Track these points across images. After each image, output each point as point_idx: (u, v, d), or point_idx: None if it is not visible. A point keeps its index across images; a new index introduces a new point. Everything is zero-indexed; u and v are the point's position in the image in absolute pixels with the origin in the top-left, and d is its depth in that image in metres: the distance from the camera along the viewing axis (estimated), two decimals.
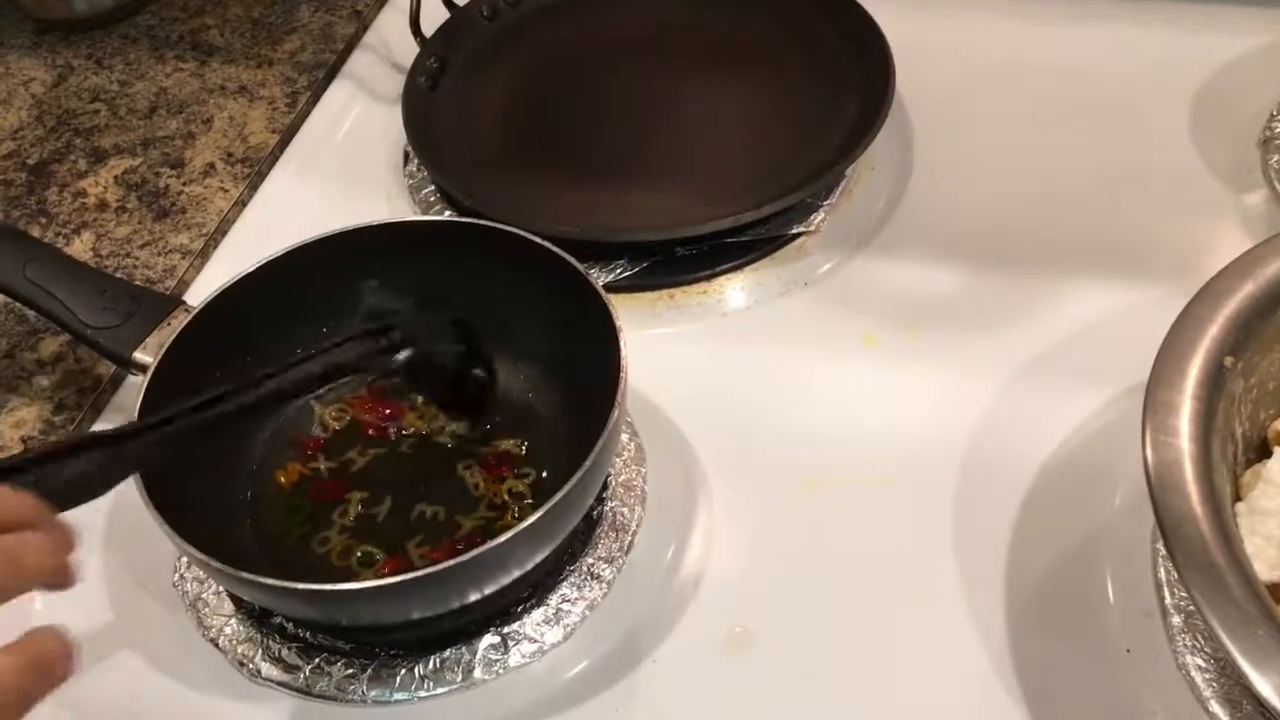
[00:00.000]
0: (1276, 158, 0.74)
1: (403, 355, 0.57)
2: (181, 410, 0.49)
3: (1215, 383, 0.50)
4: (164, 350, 0.58)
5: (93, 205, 0.79)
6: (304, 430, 0.63)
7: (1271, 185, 0.73)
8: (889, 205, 0.75)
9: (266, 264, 0.61)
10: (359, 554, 0.57)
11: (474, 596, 0.52)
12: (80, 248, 0.76)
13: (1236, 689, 0.50)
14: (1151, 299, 0.68)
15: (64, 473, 0.44)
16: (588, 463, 0.51)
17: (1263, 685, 0.41)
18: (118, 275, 0.73)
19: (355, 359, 0.56)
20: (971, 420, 0.63)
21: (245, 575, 0.49)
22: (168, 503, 0.51)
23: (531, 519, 0.50)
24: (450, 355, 0.60)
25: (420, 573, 0.49)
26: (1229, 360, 0.51)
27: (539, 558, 0.53)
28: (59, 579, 0.40)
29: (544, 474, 0.60)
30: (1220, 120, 0.78)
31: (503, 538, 0.49)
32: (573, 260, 0.59)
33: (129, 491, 0.51)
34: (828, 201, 0.74)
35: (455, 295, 0.63)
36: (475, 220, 0.64)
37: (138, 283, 0.72)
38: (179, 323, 0.59)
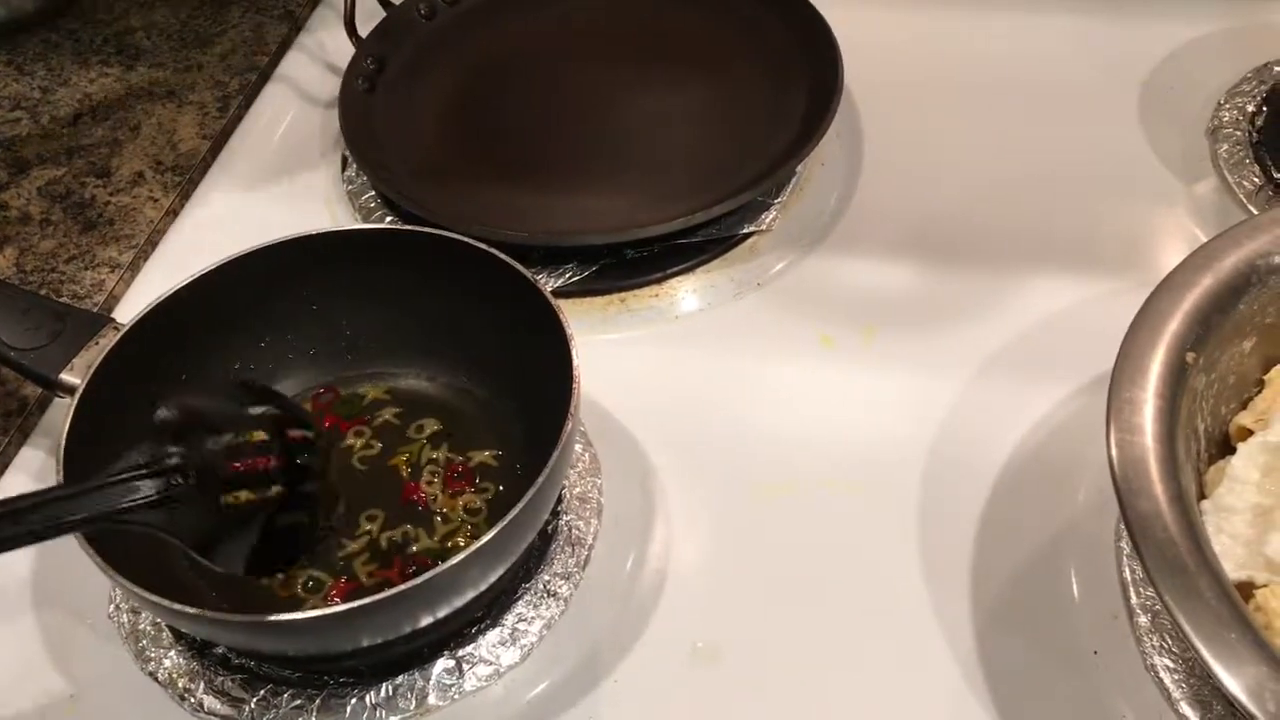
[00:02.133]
0: (1225, 146, 0.73)
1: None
2: None
3: (1178, 379, 0.49)
4: (92, 371, 0.55)
5: (15, 218, 0.75)
6: None
7: (1221, 174, 0.73)
8: (841, 202, 0.74)
9: (199, 278, 0.58)
10: (305, 579, 0.55)
11: (426, 620, 0.50)
12: (2, 264, 0.72)
13: (1206, 689, 0.49)
14: (1106, 291, 0.68)
15: None
16: (541, 478, 0.50)
17: (1236, 689, 0.40)
18: (43, 291, 0.70)
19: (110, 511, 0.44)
20: (933, 420, 0.62)
21: (181, 608, 0.47)
22: (98, 532, 0.49)
23: (486, 537, 0.48)
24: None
25: (369, 600, 0.46)
26: (1190, 356, 0.50)
27: (493, 577, 0.51)
28: None
29: (500, 488, 0.58)
30: (1169, 109, 0.78)
31: (456, 558, 0.47)
32: (519, 266, 0.57)
33: None
34: (779, 200, 0.73)
35: (399, 305, 0.62)
36: (418, 228, 0.62)
37: (64, 299, 0.69)
38: (108, 342, 0.56)
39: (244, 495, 0.46)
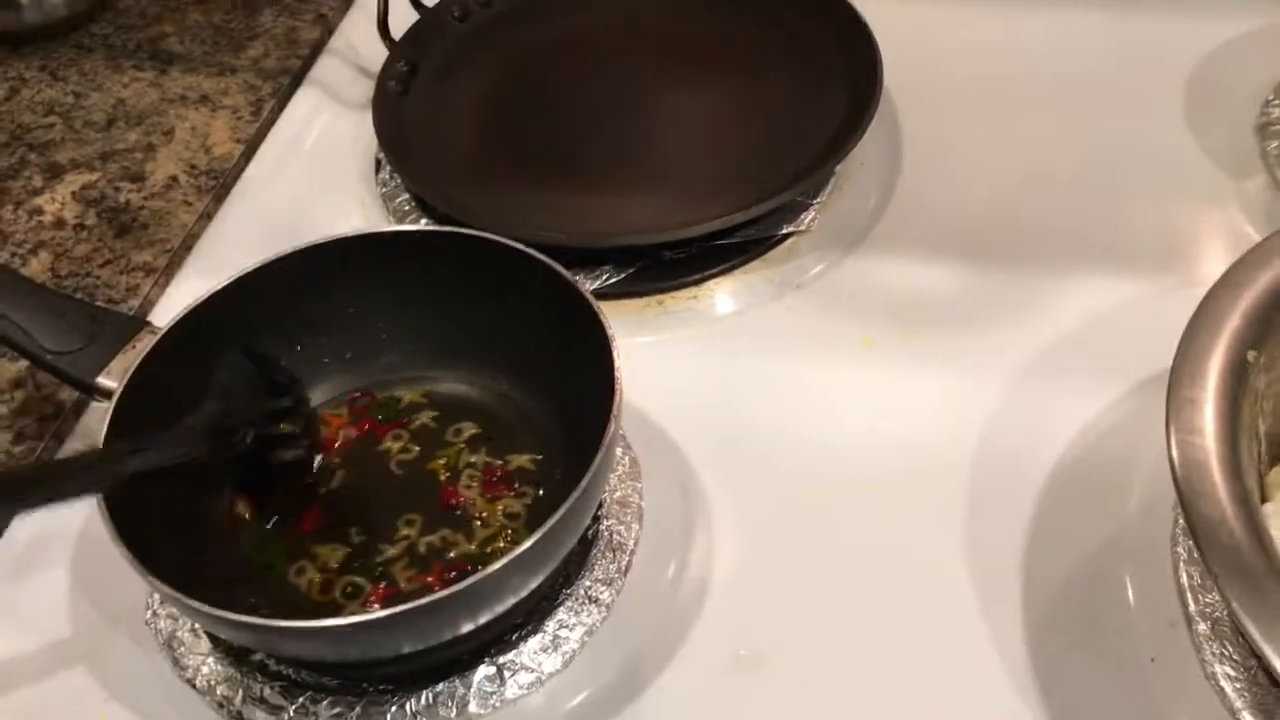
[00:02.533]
0: (1274, 144, 0.72)
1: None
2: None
3: (1239, 379, 0.48)
4: (129, 375, 0.54)
5: (49, 223, 0.75)
6: None
7: (1270, 171, 0.71)
8: (880, 202, 0.73)
9: (236, 281, 0.58)
10: (344, 585, 0.54)
11: (468, 627, 0.49)
12: (37, 268, 0.72)
13: (1270, 698, 0.48)
14: (1154, 290, 0.66)
15: None
16: (584, 481, 0.49)
17: None
18: (78, 296, 0.69)
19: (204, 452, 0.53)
20: (978, 422, 0.61)
21: (222, 614, 0.46)
22: (136, 536, 0.48)
23: (528, 543, 0.47)
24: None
25: (409, 606, 0.46)
26: (1251, 354, 0.49)
27: (535, 583, 0.50)
28: None
29: (541, 492, 0.57)
30: (1215, 107, 0.76)
31: (497, 564, 0.46)
32: (558, 267, 0.57)
33: (95, 524, 0.48)
34: (817, 200, 0.72)
35: (436, 308, 0.61)
36: (454, 229, 0.61)
37: (99, 303, 0.68)
38: (144, 345, 0.56)
39: (287, 454, 0.56)
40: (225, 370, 0.55)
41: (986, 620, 0.53)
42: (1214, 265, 0.67)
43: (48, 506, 0.47)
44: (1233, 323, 0.49)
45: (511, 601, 0.50)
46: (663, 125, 0.77)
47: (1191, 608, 0.51)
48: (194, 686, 0.53)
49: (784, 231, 0.70)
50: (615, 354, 0.53)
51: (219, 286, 0.57)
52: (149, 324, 0.59)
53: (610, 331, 0.54)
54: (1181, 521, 0.53)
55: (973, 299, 0.68)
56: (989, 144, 0.76)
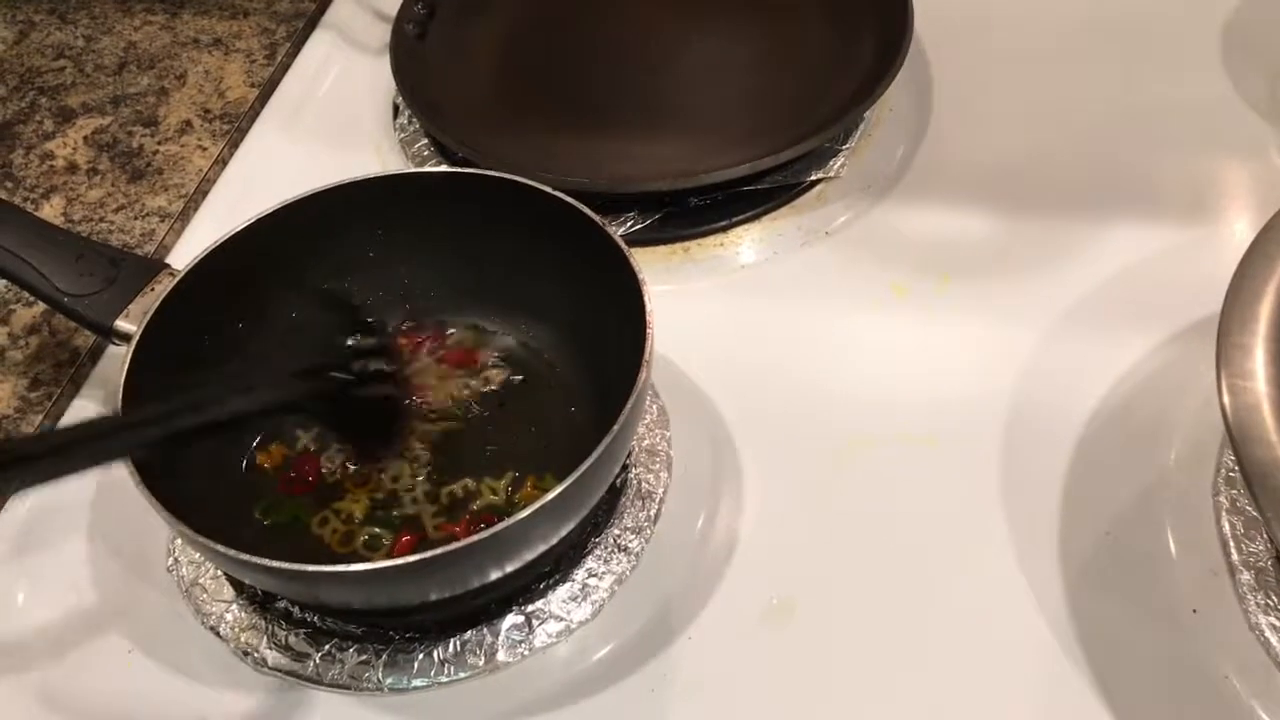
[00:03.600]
0: None
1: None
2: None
3: None
4: (148, 317, 0.53)
5: (62, 168, 0.74)
6: None
7: None
8: (910, 148, 0.72)
9: (255, 223, 0.56)
10: (368, 534, 0.53)
11: (495, 575, 0.48)
12: (50, 213, 0.71)
13: None
14: (1192, 238, 0.65)
15: None
16: (615, 428, 0.47)
17: None
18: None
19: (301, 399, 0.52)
20: (1013, 371, 0.59)
21: (249, 558, 0.45)
22: (159, 481, 0.47)
23: (556, 490, 0.46)
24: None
25: (438, 551, 0.45)
26: None
27: (565, 531, 0.50)
28: None
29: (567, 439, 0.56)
30: (1253, 50, 0.74)
31: (526, 510, 0.45)
32: (586, 209, 0.55)
33: (117, 471, 0.47)
34: (846, 146, 0.70)
35: (458, 252, 0.60)
36: (476, 170, 0.60)
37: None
38: (164, 288, 0.54)
39: (378, 390, 0.53)
40: (300, 312, 0.55)
41: (1024, 570, 0.52)
42: (1252, 213, 0.66)
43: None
44: None
45: (540, 549, 0.49)
46: (689, 69, 0.75)
47: (1235, 557, 0.50)
48: (217, 634, 0.52)
49: (813, 178, 0.69)
50: (646, 298, 0.52)
51: (238, 229, 0.56)
52: (168, 266, 0.58)
53: (641, 275, 0.52)
54: (1224, 470, 0.52)
55: (1006, 247, 0.66)
56: (1021, 90, 0.74)
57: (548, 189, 0.56)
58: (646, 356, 0.50)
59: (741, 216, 0.67)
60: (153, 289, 0.56)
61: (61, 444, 0.46)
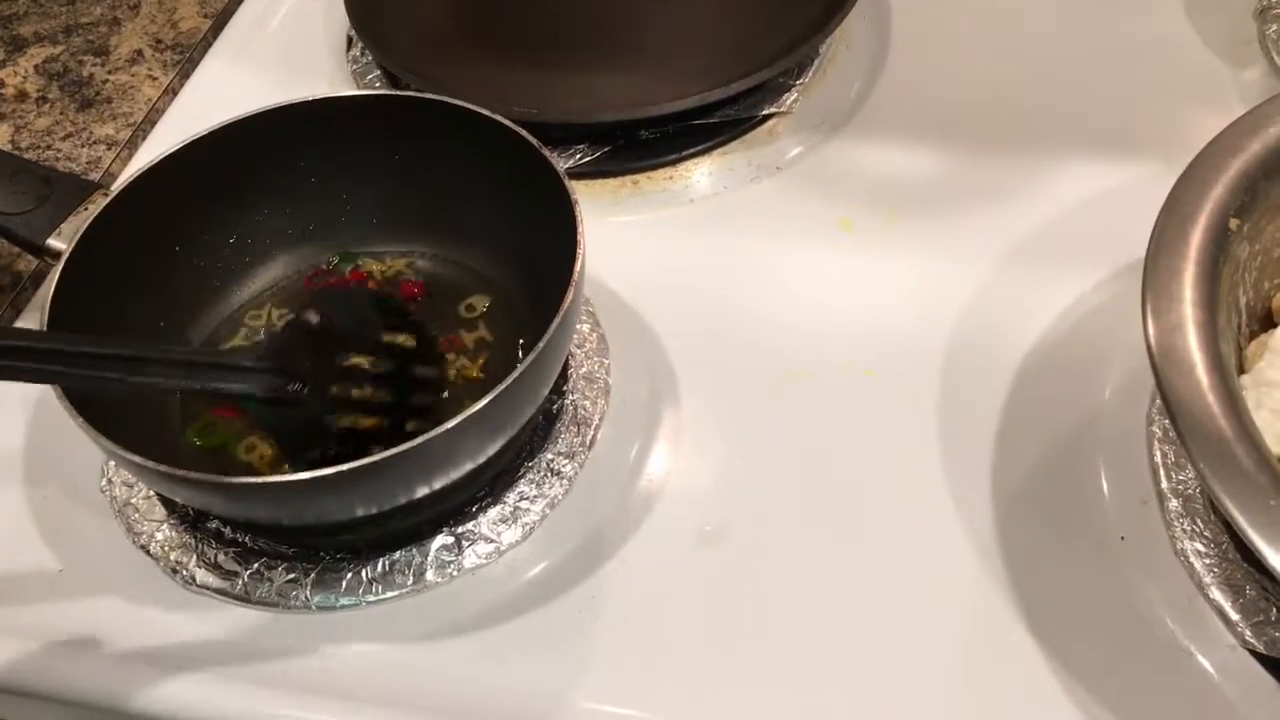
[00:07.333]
0: (1274, 28, 0.70)
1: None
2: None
3: (1220, 246, 0.46)
4: (79, 236, 0.52)
5: (11, 96, 0.73)
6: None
7: (1270, 57, 0.69)
8: (866, 84, 0.71)
9: (192, 143, 0.56)
10: None
11: (422, 490, 0.48)
12: None
13: (1238, 573, 0.47)
14: (1142, 177, 0.64)
15: None
16: (541, 344, 0.47)
17: (1276, 559, 0.38)
18: None
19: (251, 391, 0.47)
20: (955, 306, 0.59)
21: (179, 472, 0.45)
22: (90, 404, 0.47)
23: (480, 404, 0.45)
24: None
25: (361, 462, 0.44)
26: (1234, 223, 0.47)
27: (492, 449, 0.49)
28: None
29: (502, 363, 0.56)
30: None
31: (449, 424, 0.45)
32: (524, 132, 0.55)
33: (48, 394, 0.47)
34: (800, 81, 0.70)
35: (401, 178, 0.59)
36: (418, 94, 0.59)
37: None
38: (96, 207, 0.54)
39: (346, 420, 0.48)
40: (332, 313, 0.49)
41: (954, 497, 0.52)
42: None
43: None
44: (1216, 190, 0.47)
45: (467, 467, 0.49)
46: (643, 1, 0.74)
47: (1164, 485, 0.50)
48: (148, 552, 0.52)
49: (765, 113, 0.68)
50: (579, 218, 0.51)
51: (175, 147, 0.56)
52: (102, 186, 0.57)
53: (574, 195, 0.52)
54: (1158, 400, 0.52)
55: (956, 185, 0.66)
56: (980, 28, 0.74)
57: (484, 111, 0.56)
58: (575, 276, 0.49)
59: (692, 150, 0.67)
60: (85, 209, 0.55)
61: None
